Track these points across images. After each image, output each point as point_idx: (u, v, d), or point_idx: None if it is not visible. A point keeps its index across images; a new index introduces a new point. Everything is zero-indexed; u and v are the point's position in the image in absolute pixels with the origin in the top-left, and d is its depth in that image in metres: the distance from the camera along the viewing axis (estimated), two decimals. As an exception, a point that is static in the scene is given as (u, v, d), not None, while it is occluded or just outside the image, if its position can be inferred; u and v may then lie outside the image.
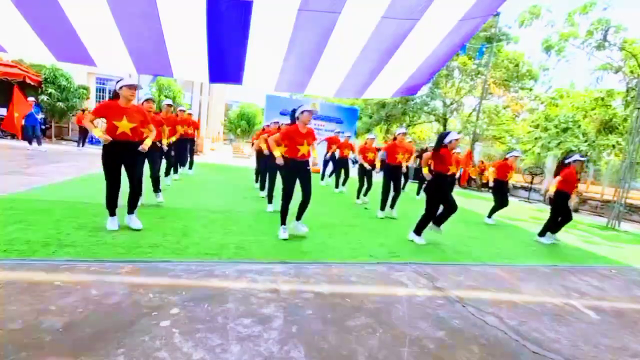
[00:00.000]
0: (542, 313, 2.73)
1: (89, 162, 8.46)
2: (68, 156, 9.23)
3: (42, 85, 12.37)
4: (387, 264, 3.48)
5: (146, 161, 4.61)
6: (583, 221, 8.76)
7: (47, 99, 12.23)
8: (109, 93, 15.43)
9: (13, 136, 10.81)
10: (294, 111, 3.89)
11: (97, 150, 11.66)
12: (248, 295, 2.40)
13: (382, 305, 2.51)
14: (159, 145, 4.95)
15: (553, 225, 5.34)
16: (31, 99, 9.92)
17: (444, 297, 2.80)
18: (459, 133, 4.21)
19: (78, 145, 11.43)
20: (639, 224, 9.57)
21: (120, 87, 3.33)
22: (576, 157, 5.32)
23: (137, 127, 3.41)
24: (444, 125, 20.27)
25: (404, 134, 5.84)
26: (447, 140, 4.26)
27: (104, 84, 15.32)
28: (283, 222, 3.91)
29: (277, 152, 3.80)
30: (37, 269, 2.43)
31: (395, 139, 5.91)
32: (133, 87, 3.36)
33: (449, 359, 1.96)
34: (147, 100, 4.35)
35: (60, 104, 12.54)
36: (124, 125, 3.33)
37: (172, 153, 6.39)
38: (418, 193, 9.15)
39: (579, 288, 3.43)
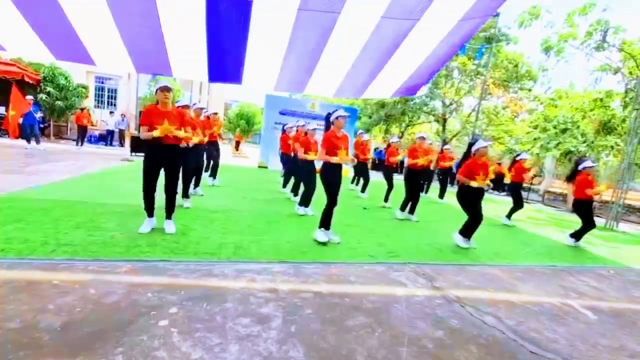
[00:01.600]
0: (541, 313, 2.74)
1: (87, 161, 8.44)
2: (67, 155, 9.21)
3: (41, 84, 12.34)
4: (386, 263, 3.48)
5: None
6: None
7: (46, 97, 12.20)
8: (108, 92, 15.41)
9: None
10: (328, 117, 3.91)
11: (96, 150, 11.67)
12: (247, 295, 2.40)
13: (381, 305, 2.52)
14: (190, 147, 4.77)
15: (582, 231, 5.37)
16: (29, 97, 9.89)
17: (443, 296, 2.81)
18: (485, 140, 4.13)
19: (77, 144, 11.40)
20: (637, 225, 9.59)
21: (155, 91, 3.42)
22: (586, 163, 5.33)
23: (177, 129, 3.43)
24: (443, 126, 20.28)
25: (423, 138, 6.04)
26: (473, 149, 4.29)
27: (103, 82, 15.29)
28: (327, 227, 3.96)
29: (336, 158, 3.78)
30: (35, 268, 2.43)
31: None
32: (166, 90, 3.39)
33: (448, 358, 1.96)
34: (184, 106, 4.51)
35: (59, 102, 12.52)
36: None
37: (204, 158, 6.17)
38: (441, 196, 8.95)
39: (577, 288, 3.44)
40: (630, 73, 12.20)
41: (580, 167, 5.33)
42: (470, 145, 4.38)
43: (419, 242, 4.48)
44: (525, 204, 11.71)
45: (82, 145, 11.40)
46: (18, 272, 2.35)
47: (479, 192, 4.34)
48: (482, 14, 2.68)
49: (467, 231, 4.40)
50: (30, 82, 11.87)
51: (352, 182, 9.21)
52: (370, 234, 4.66)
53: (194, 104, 5.73)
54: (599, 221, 9.16)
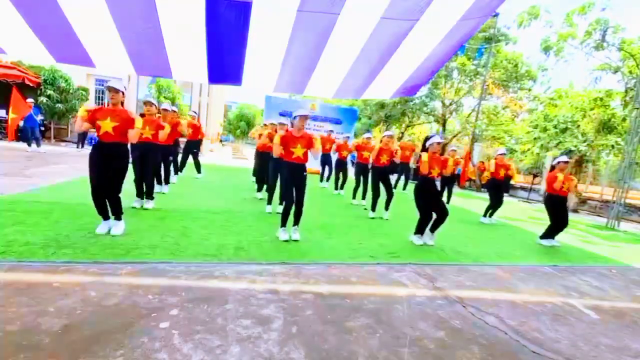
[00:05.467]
0: (542, 313, 2.73)
1: (88, 163, 8.43)
2: (67, 158, 9.21)
3: (41, 87, 12.36)
4: (386, 264, 3.47)
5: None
6: (582, 221, 8.77)
7: (47, 100, 12.22)
8: (108, 94, 15.44)
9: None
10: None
11: (96, 152, 11.68)
12: (248, 296, 2.39)
13: (382, 306, 2.51)
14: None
15: (549, 229, 5.29)
16: (30, 100, 9.91)
17: (444, 297, 2.80)
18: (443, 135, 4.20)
19: (77, 147, 11.42)
20: (638, 224, 9.58)
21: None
22: (560, 158, 5.27)
23: (120, 126, 3.29)
24: (444, 126, 20.28)
25: (391, 136, 6.01)
26: (428, 143, 4.31)
27: (103, 85, 15.31)
28: (283, 224, 3.91)
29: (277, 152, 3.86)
30: (35, 271, 2.43)
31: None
32: (112, 90, 3.28)
33: (449, 359, 1.95)
34: (145, 102, 4.40)
35: (59, 105, 12.54)
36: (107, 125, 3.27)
37: (171, 158, 6.24)
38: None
39: (578, 288, 3.43)
40: (630, 72, 12.19)
41: (554, 162, 5.29)
42: (425, 141, 4.42)
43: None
44: (526, 204, 11.75)
45: (82, 147, 11.42)
46: (18, 275, 2.34)
47: (434, 189, 4.32)
48: (481, 14, 2.68)
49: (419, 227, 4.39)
50: (31, 85, 11.89)
51: (321, 180, 9.26)
52: (371, 234, 4.65)
53: (161, 105, 5.81)
54: (599, 220, 9.17)
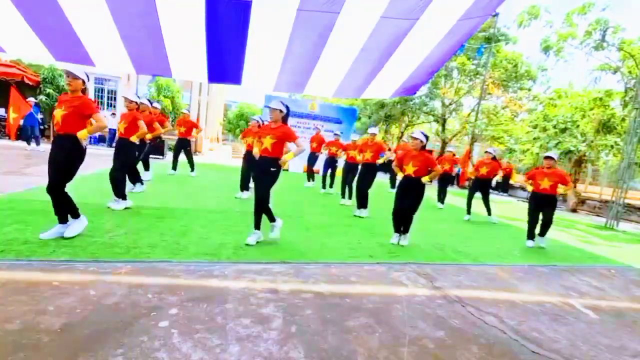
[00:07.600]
0: (542, 313, 2.73)
1: (87, 162, 8.41)
2: (66, 156, 9.20)
3: (41, 86, 12.34)
4: (386, 263, 3.47)
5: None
6: (581, 221, 8.78)
7: (46, 99, 12.20)
8: (108, 93, 15.41)
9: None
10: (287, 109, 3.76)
11: (96, 151, 11.65)
12: (247, 296, 2.39)
13: (382, 305, 2.51)
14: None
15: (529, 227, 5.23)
16: (32, 99, 9.89)
17: (443, 296, 2.80)
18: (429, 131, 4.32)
19: (76, 146, 11.40)
20: (637, 224, 9.59)
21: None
22: (548, 153, 5.24)
23: (69, 115, 3.05)
24: (443, 125, 20.29)
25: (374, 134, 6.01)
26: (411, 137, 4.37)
27: (102, 84, 15.27)
28: (255, 226, 3.67)
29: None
30: (35, 269, 2.43)
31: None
32: (69, 75, 3.03)
33: (449, 358, 1.96)
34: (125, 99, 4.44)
35: (58, 104, 12.52)
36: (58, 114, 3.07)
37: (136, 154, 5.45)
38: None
39: (578, 288, 3.44)
40: (630, 72, 12.20)
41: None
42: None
43: (420, 242, 4.47)
44: (525, 204, 11.74)
45: (81, 146, 11.38)
46: (18, 274, 2.34)
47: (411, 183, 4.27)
48: (481, 13, 2.68)
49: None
50: (30, 83, 11.87)
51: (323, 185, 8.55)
52: (370, 233, 4.65)
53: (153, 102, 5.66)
54: (599, 220, 9.17)
